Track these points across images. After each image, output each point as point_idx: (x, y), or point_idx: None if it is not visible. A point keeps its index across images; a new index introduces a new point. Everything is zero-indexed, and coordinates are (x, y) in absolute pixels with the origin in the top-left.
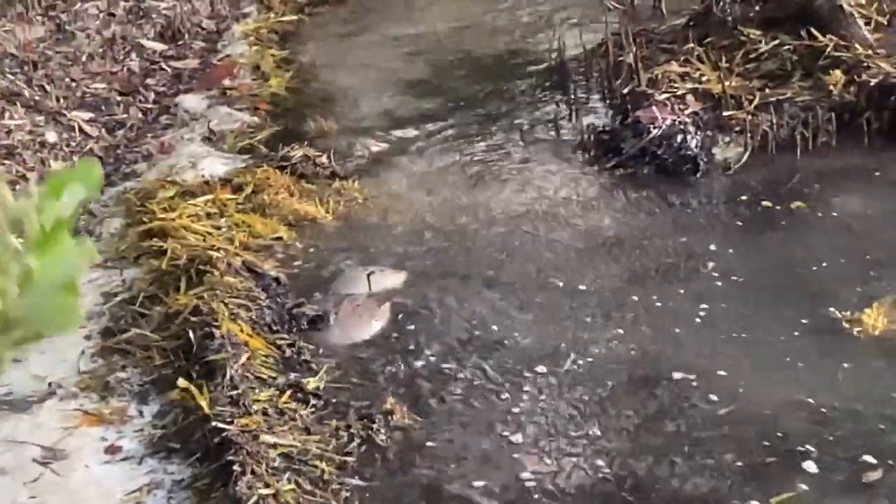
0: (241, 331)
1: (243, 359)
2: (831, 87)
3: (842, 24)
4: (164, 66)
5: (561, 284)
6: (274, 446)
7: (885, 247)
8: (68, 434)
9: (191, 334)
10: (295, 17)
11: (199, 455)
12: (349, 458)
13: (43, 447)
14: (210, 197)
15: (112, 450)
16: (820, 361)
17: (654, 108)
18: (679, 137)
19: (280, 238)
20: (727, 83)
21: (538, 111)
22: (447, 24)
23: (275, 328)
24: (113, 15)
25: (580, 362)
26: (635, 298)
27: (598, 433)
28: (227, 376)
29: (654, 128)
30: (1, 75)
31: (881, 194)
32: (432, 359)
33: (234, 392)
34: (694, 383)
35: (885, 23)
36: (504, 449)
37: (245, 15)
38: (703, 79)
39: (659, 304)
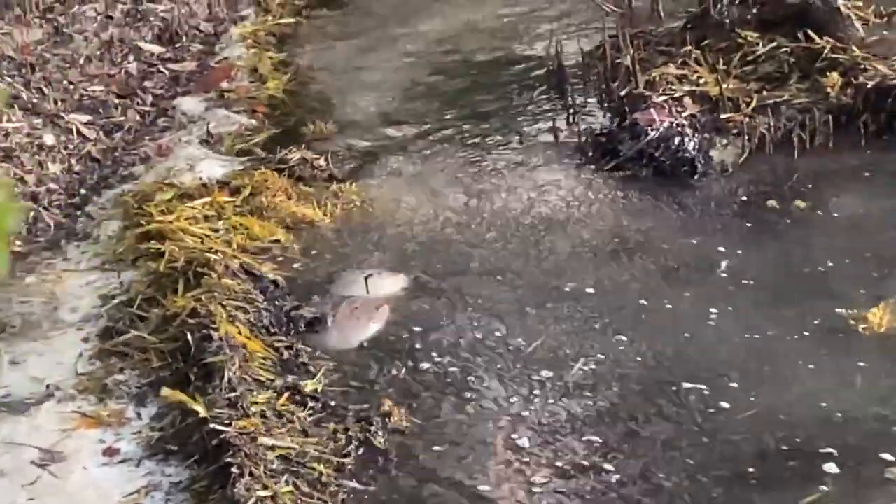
0: (239, 333)
1: (241, 361)
2: (828, 90)
3: (839, 27)
4: (161, 69)
5: (567, 290)
6: (272, 448)
7: (885, 246)
8: (66, 436)
9: (189, 336)
10: (292, 20)
11: (197, 457)
12: (347, 461)
13: (41, 449)
14: (208, 199)
15: (110, 452)
16: (832, 362)
17: (651, 110)
18: (677, 139)
19: (278, 240)
20: (724, 85)
21: (536, 114)
22: (445, 26)
23: (273, 330)
24: (111, 17)
25: (585, 368)
26: (643, 302)
27: (606, 439)
28: (226, 378)
29: (652, 130)
30: None
31: (879, 194)
32: (430, 362)
33: (233, 394)
34: (706, 389)
35: (883, 23)
36: (506, 454)
37: (243, 18)
38: (701, 81)
39: (669, 306)
